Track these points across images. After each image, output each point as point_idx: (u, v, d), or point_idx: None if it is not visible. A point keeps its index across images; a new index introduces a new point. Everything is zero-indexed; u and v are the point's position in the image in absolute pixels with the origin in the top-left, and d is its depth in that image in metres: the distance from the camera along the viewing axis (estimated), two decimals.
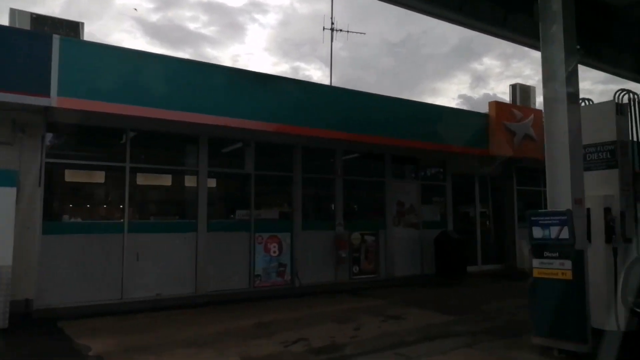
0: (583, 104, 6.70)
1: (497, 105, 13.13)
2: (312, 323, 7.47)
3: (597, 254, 6.25)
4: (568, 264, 5.51)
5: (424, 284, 11.82)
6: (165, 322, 7.62)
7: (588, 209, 6.36)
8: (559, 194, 5.88)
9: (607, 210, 6.16)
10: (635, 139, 6.50)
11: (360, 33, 21.35)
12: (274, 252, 10.56)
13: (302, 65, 61.26)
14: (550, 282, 5.66)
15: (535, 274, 5.82)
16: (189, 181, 9.96)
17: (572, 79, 5.96)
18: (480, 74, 64.10)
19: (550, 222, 5.70)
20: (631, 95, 6.36)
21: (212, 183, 10.11)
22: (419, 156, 13.01)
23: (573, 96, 5.91)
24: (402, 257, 12.53)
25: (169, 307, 8.69)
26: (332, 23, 16.79)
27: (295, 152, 11.01)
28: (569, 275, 5.51)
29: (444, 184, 13.69)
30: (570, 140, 5.80)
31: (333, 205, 11.62)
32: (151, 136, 9.52)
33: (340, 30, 16.84)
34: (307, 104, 10.16)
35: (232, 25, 58.06)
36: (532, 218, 5.87)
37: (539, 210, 6.07)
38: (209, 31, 55.56)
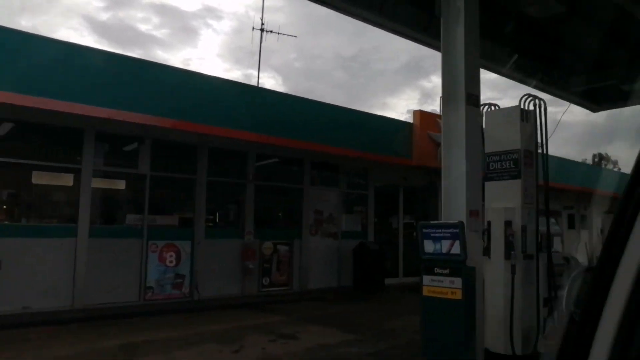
0: (488, 109, 6.23)
1: (421, 114, 12.74)
2: (189, 344, 6.56)
3: (496, 272, 5.74)
4: (458, 282, 4.92)
5: (338, 297, 11.14)
6: (15, 341, 6.47)
7: (489, 223, 5.88)
8: (454, 204, 5.32)
9: (508, 224, 5.66)
10: (541, 148, 6.04)
11: (292, 36, 20.83)
12: (171, 261, 9.55)
13: (255, 73, 60.46)
14: (439, 301, 5.05)
15: (425, 292, 5.20)
16: (70, 180, 8.80)
17: (473, 80, 5.44)
18: (428, 91, 65.52)
19: (441, 235, 5.10)
20: (537, 101, 5.92)
21: (98, 183, 8.99)
22: (340, 163, 12.39)
23: (472, 98, 5.38)
24: (318, 268, 11.82)
25: (34, 322, 7.52)
26: (262, 24, 16.03)
27: (200, 153, 10.09)
28: (458, 295, 4.91)
29: (366, 193, 13.13)
30: (467, 146, 5.25)
31: (243, 212, 10.76)
32: (25, 127, 8.32)
33: (271, 31, 16.11)
34: (211, 100, 9.29)
35: (184, 29, 56.37)
36: (424, 230, 5.26)
37: (431, 222, 5.48)
38: (160, 33, 53.66)
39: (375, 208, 13.21)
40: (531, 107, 6.00)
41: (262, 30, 15.60)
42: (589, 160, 49.48)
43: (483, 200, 6.00)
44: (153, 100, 8.48)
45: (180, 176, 10.09)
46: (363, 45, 69.68)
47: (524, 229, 5.67)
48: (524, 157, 5.75)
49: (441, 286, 5.05)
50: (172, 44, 59.51)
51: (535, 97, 5.93)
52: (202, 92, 9.21)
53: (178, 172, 10.06)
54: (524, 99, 5.91)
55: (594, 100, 12.28)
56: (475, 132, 5.40)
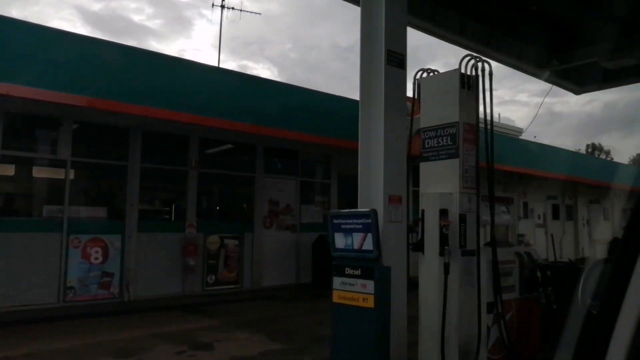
0: (426, 74, 5.21)
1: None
2: (82, 357, 5.58)
3: (430, 271, 4.74)
4: (370, 286, 3.93)
5: (293, 296, 10.16)
6: None
7: (423, 211, 4.88)
8: (371, 188, 4.32)
9: (443, 213, 4.65)
10: (484, 122, 4.94)
11: (256, 13, 19.75)
12: (96, 258, 8.54)
13: (250, 64, 59.48)
14: (349, 310, 4.07)
15: (335, 298, 4.23)
16: None
17: (396, 36, 4.42)
18: None
19: (352, 226, 4.11)
20: (481, 64, 4.88)
21: (8, 170, 7.98)
22: (299, 149, 11.37)
23: (395, 58, 4.36)
24: (273, 264, 10.83)
25: None
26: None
27: (133, 137, 9.05)
28: (370, 302, 3.92)
29: (328, 182, 12.12)
30: (387, 115, 4.24)
31: (184, 203, 9.74)
32: None
33: (233, 8, 15.03)
34: (140, 77, 8.24)
35: (178, 19, 55.26)
36: (334, 221, 4.27)
37: (342, 211, 4.48)
38: (153, 24, 52.70)
39: (339, 198, 12.19)
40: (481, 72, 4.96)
41: (222, 7, 14.51)
42: (583, 150, 48.65)
43: (417, 184, 5.01)
44: (66, 76, 7.43)
45: (109, 162, 9.04)
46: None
47: (462, 218, 4.66)
48: (463, 132, 4.73)
49: (352, 291, 4.06)
50: (166, 35, 58.46)
51: (479, 58, 4.89)
52: (128, 67, 8.18)
53: (106, 158, 9.01)
54: (465, 60, 4.87)
55: (575, 82, 11.32)
56: (398, 100, 4.39)
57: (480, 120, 4.94)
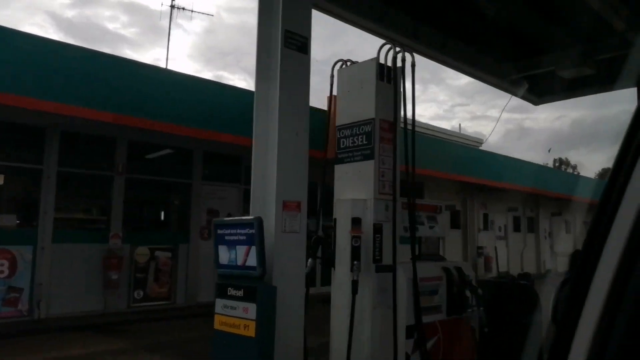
0: (342, 65, 4.62)
1: (336, 99, 11.08)
2: None
3: (341, 289, 4.10)
4: (252, 310, 3.24)
5: None
6: None
7: (335, 220, 4.25)
8: (263, 192, 3.66)
9: (355, 222, 4.01)
10: (405, 120, 4.29)
11: (208, 14, 19.07)
12: (2, 272, 7.63)
13: (226, 74, 58.53)
14: (230, 338, 3.37)
15: (216, 324, 3.52)
16: None
17: (297, 15, 3.79)
18: None
19: (237, 238, 3.43)
20: (402, 54, 4.29)
21: None
22: (242, 155, 10.64)
23: (295, 40, 3.73)
24: (210, 278, 9.94)
25: None
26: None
27: (49, 137, 8.21)
28: (251, 330, 3.23)
29: None
30: (282, 105, 3.60)
31: (108, 211, 8.91)
32: None
33: (184, 8, 14.34)
34: (55, 72, 7.43)
35: (154, 28, 54.21)
36: (218, 231, 3.58)
37: (226, 219, 3.80)
38: (128, 32, 51.60)
39: None
40: (399, 63, 4.37)
41: (172, 7, 13.82)
42: (550, 164, 49.18)
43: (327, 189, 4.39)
44: None
45: (21, 165, 8.17)
46: (336, 50, 68.64)
47: (377, 229, 4.04)
48: (379, 130, 4.13)
49: (234, 316, 3.36)
50: (140, 43, 57.32)
51: (399, 47, 4.29)
52: (41, 60, 7.36)
53: (18, 161, 8.15)
54: (384, 49, 4.27)
55: (534, 92, 10.94)
56: (299, 88, 3.75)
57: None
